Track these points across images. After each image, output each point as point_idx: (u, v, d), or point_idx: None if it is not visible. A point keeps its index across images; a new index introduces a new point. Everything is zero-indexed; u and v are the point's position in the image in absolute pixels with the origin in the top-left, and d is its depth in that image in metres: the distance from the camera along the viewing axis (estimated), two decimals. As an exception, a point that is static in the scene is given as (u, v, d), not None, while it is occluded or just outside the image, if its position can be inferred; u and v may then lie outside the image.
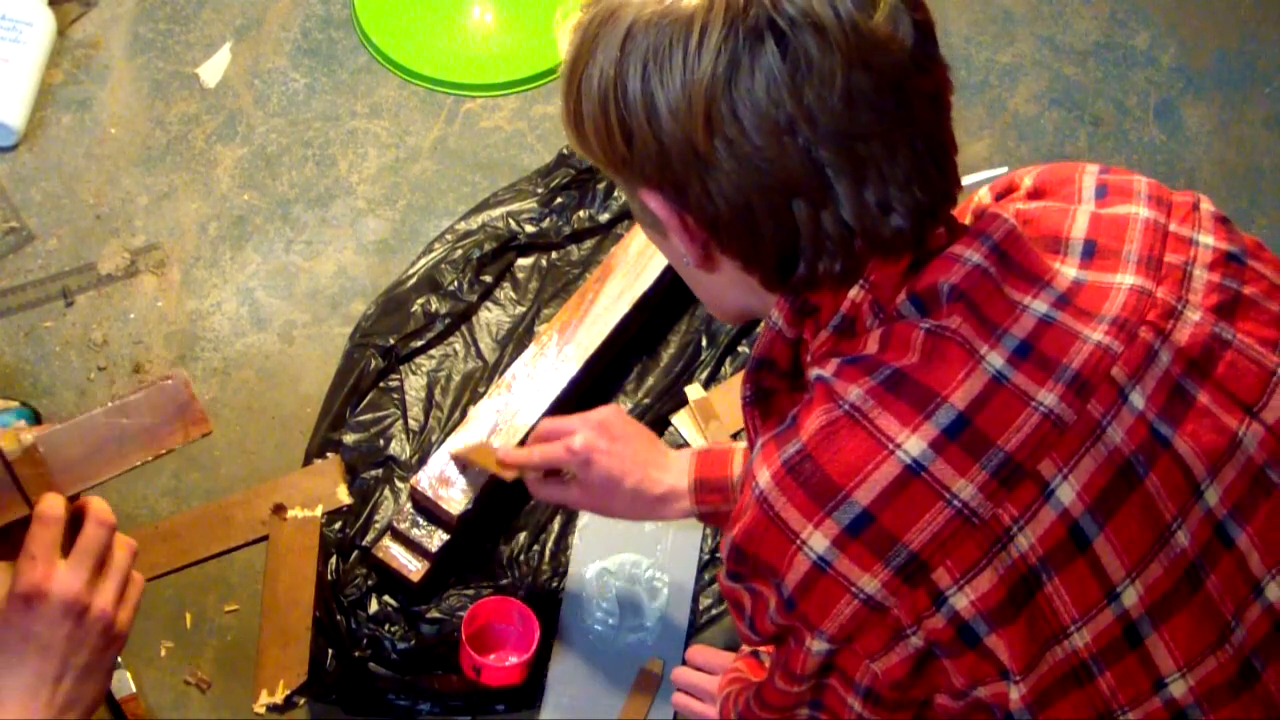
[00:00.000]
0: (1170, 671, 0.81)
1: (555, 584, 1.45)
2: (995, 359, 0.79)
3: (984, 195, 0.95)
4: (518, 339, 1.59)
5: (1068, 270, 0.84)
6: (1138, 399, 0.80)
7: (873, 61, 0.77)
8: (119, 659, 1.34)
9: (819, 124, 0.77)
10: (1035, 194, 0.92)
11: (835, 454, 0.80)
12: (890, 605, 0.79)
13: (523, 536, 1.47)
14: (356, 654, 1.38)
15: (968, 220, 0.88)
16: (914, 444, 0.78)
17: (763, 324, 0.93)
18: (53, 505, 0.94)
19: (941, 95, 0.83)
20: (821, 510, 0.79)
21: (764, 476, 0.82)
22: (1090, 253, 0.85)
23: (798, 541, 0.80)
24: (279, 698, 1.36)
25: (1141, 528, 0.80)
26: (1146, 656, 0.81)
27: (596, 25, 0.82)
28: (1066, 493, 0.78)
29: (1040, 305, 0.82)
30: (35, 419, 1.42)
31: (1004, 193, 0.94)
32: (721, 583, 0.91)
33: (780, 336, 0.89)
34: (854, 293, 0.85)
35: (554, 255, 1.66)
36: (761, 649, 1.26)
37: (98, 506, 0.96)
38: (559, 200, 1.69)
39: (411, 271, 1.63)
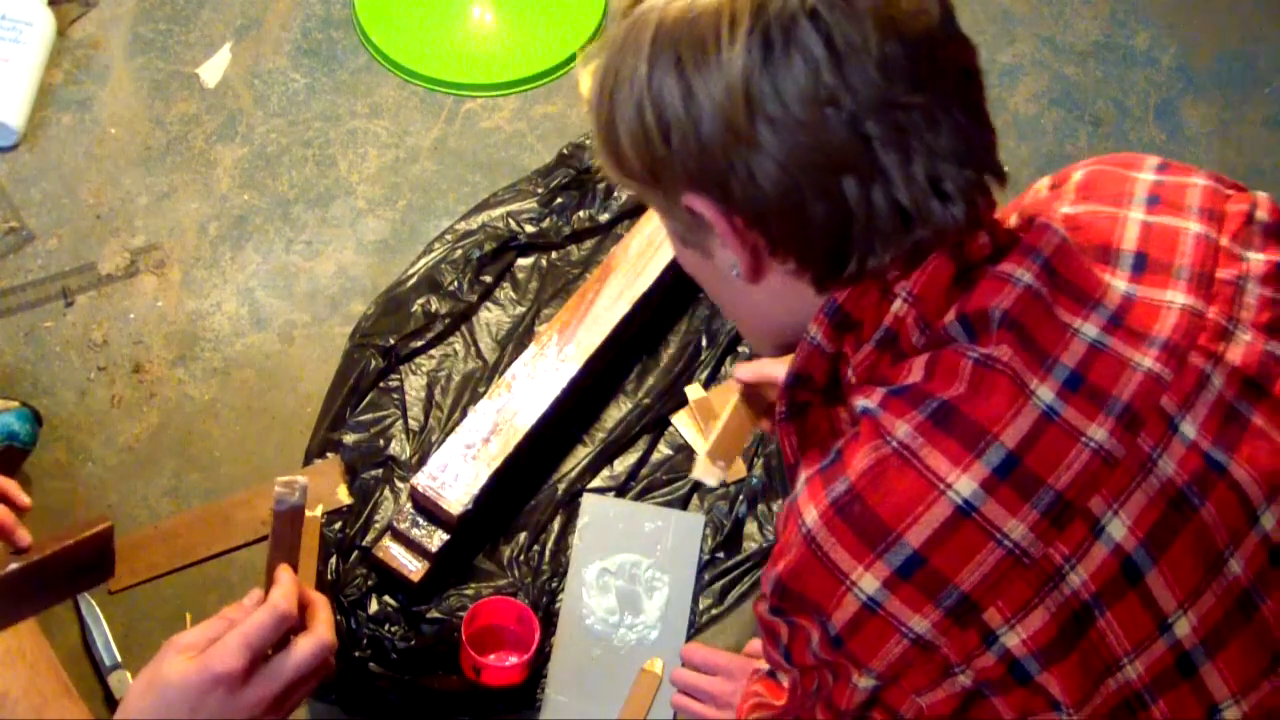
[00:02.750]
0: (1225, 698, 0.80)
1: (555, 584, 1.45)
2: (1045, 393, 0.78)
3: (1042, 185, 0.93)
4: (518, 339, 1.59)
5: (1118, 284, 0.83)
6: (1189, 429, 0.79)
7: (905, 31, 0.77)
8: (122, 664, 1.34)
9: (859, 94, 0.76)
10: (1084, 190, 0.91)
11: (885, 495, 0.78)
12: (940, 644, 0.78)
13: (523, 536, 1.47)
14: (356, 654, 1.38)
15: (1013, 221, 0.87)
16: (965, 484, 0.77)
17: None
18: (289, 599, 0.92)
19: (973, 70, 0.82)
20: (872, 552, 0.78)
21: (811, 515, 0.81)
22: (1141, 266, 0.84)
23: (847, 582, 0.79)
24: (279, 698, 1.36)
25: (1195, 559, 0.78)
26: (1200, 685, 0.80)
27: (622, 38, 0.82)
28: (1118, 529, 0.77)
29: (1090, 329, 0.80)
30: (35, 419, 1.42)
31: (1059, 184, 0.92)
32: (760, 614, 0.89)
33: (819, 351, 0.87)
34: (897, 306, 0.83)
35: (554, 255, 1.66)
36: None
37: (324, 622, 0.94)
38: (559, 200, 1.69)
39: (411, 271, 1.63)
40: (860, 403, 0.82)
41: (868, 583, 0.78)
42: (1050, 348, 0.79)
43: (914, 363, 0.82)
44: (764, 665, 1.26)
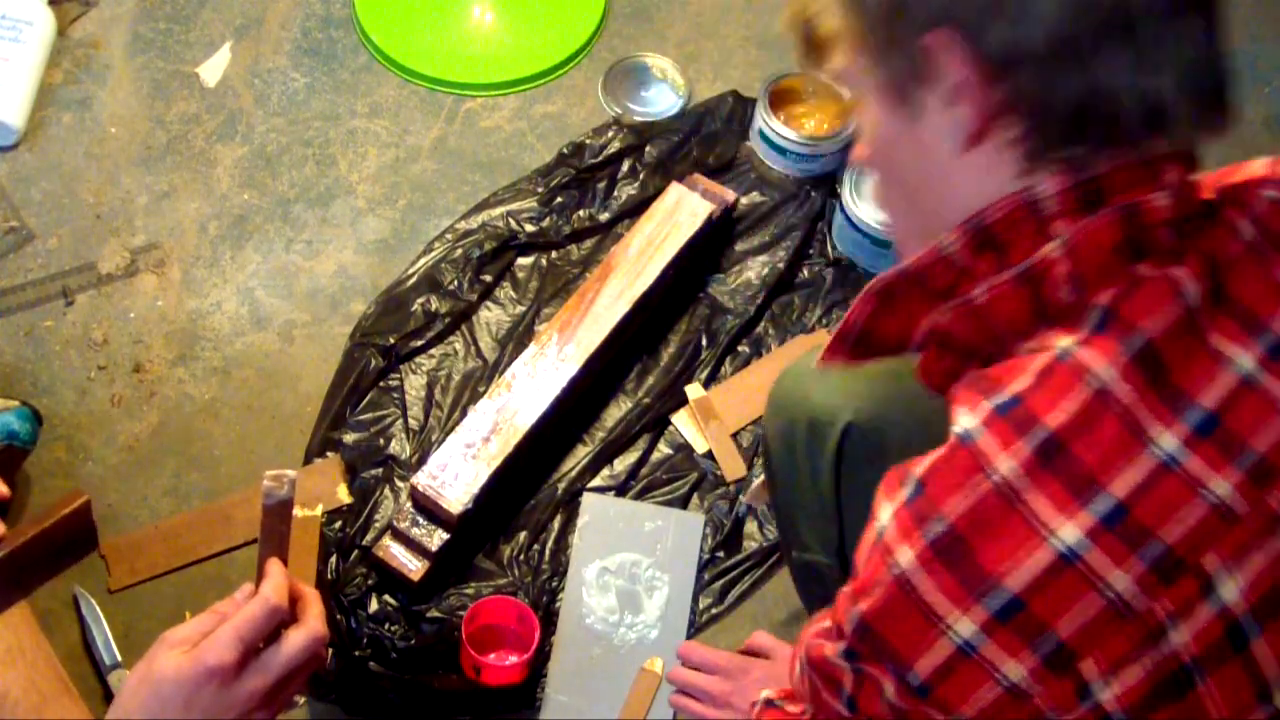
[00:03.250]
0: None
1: (555, 584, 1.45)
2: (1168, 442, 0.74)
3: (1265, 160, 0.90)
4: (518, 338, 1.59)
5: None
6: None
7: None
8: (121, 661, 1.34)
9: None
10: None
11: (986, 538, 0.75)
12: (1033, 693, 0.76)
13: (523, 536, 1.47)
14: (356, 654, 1.37)
15: (1211, 194, 0.83)
16: (1069, 532, 0.74)
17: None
18: (279, 592, 0.91)
19: (1219, 11, 0.79)
20: (970, 595, 0.75)
21: (906, 556, 0.77)
22: None
23: (941, 625, 0.76)
24: (279, 697, 1.36)
25: None
26: None
27: None
28: (1230, 590, 0.74)
29: (1247, 361, 0.76)
30: (35, 418, 1.42)
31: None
32: (822, 658, 0.85)
33: (947, 261, 0.82)
34: (1051, 248, 0.78)
35: (554, 255, 1.66)
36: (788, 702, 1.20)
37: (315, 615, 0.93)
38: (559, 200, 1.69)
39: (411, 271, 1.63)
40: (962, 419, 0.78)
41: (964, 626, 0.76)
42: (1189, 387, 0.75)
43: (1027, 363, 0.78)
44: (765, 692, 1.21)
